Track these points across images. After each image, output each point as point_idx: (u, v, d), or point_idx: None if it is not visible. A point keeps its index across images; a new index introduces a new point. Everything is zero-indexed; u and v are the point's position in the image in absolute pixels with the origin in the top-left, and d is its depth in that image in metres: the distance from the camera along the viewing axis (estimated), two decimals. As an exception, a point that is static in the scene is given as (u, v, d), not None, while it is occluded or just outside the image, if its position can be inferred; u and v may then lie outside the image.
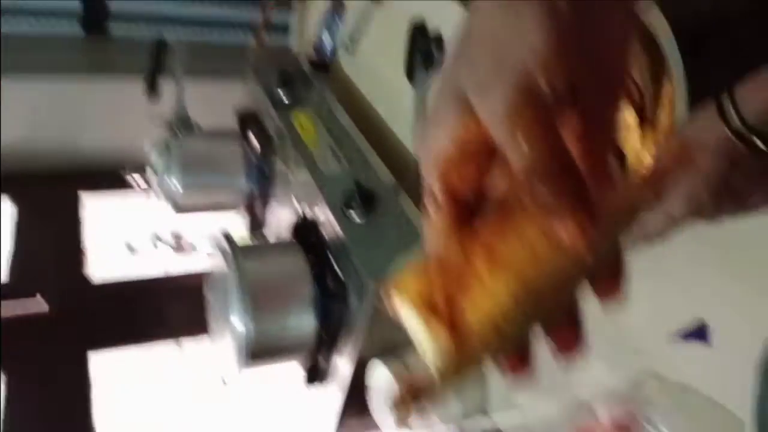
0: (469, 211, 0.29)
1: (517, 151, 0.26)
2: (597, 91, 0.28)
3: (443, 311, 0.26)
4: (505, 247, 0.27)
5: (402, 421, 0.60)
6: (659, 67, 0.62)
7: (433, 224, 0.29)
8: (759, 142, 0.47)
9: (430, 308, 0.26)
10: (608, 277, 0.30)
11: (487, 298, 0.25)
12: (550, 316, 0.29)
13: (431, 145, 0.30)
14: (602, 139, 0.28)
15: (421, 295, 0.26)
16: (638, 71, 0.64)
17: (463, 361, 0.26)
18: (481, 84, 0.27)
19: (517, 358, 0.29)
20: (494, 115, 0.27)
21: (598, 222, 0.25)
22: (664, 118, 0.62)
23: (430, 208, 0.30)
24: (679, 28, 0.62)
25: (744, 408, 0.53)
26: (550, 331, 0.30)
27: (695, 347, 0.62)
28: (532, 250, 0.26)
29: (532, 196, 0.26)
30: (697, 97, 0.57)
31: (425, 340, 0.26)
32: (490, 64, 0.27)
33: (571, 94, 0.27)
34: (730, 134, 0.47)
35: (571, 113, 0.27)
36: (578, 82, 0.27)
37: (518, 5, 0.27)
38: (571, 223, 0.25)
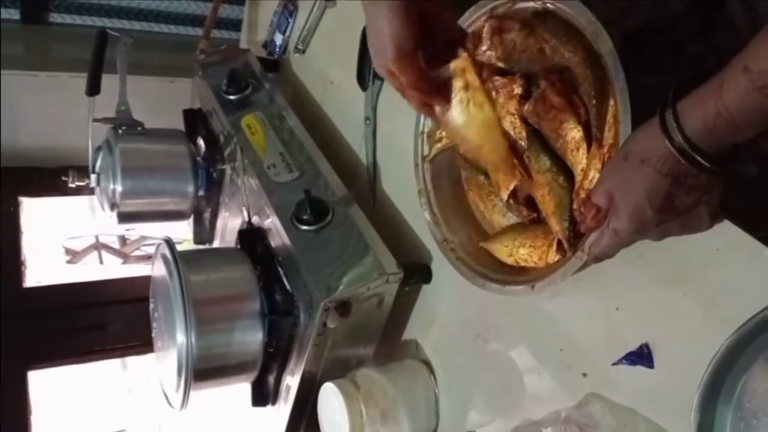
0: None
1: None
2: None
3: None
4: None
5: None
6: (604, 85, 0.62)
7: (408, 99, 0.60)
8: (701, 159, 0.47)
9: None
10: None
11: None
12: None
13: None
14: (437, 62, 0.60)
15: None
16: (584, 89, 0.64)
17: None
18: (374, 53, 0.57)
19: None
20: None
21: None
22: (609, 134, 0.62)
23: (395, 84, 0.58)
24: (620, 30, 0.62)
25: (686, 430, 0.53)
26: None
27: (640, 370, 0.63)
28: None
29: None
30: (641, 107, 0.57)
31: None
32: (373, 42, 0.56)
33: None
34: (673, 150, 0.48)
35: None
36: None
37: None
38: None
